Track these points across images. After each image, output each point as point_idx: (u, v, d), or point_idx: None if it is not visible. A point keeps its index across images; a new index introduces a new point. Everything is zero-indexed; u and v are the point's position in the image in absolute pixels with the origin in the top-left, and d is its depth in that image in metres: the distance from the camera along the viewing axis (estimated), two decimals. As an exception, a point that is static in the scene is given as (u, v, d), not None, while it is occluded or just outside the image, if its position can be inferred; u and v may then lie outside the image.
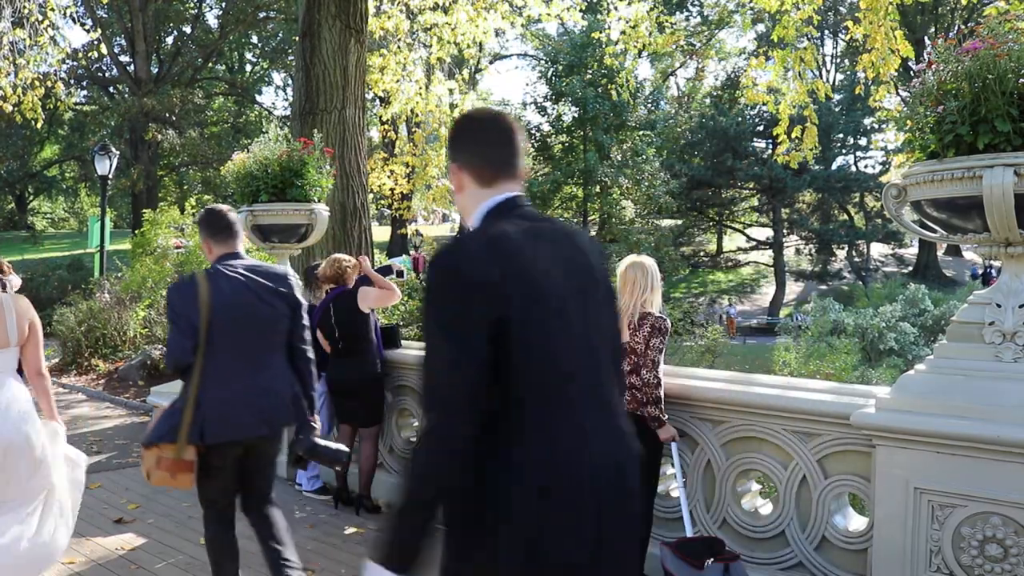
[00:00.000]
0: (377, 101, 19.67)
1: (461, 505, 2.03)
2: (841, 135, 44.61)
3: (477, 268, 1.95)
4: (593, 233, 43.57)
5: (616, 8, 12.84)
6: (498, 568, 1.98)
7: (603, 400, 2.13)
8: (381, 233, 41.54)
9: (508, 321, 1.93)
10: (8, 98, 12.81)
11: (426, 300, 2.04)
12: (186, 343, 3.71)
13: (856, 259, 46.82)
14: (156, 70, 40.65)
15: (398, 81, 13.74)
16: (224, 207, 3.91)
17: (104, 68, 40.97)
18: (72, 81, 36.12)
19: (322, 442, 2.86)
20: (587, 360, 2.09)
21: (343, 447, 4.00)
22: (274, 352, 3.90)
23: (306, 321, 4.07)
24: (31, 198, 52.23)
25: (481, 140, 2.21)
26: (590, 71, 40.98)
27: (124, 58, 40.78)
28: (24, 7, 12.29)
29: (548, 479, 1.97)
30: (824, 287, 43.96)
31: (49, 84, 13.04)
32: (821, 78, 36.01)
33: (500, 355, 1.93)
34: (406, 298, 12.73)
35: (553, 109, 44.94)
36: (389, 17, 13.03)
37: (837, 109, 42.42)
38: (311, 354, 4.05)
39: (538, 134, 45.75)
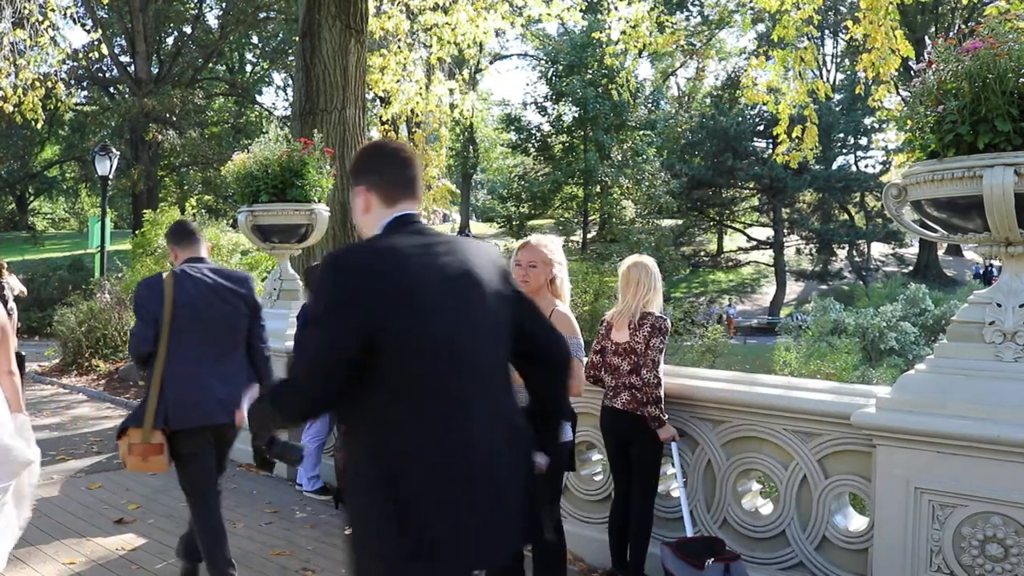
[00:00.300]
0: (377, 101, 19.66)
1: (363, 482, 2.33)
2: (842, 135, 44.61)
3: (359, 271, 2.26)
4: (593, 233, 43.65)
5: (616, 8, 12.84)
6: (387, 540, 2.25)
7: (485, 389, 2.38)
8: (381, 233, 41.50)
9: (385, 320, 2.23)
10: (9, 98, 12.81)
11: (315, 292, 2.41)
12: (148, 332, 4.08)
13: (857, 259, 46.81)
14: (156, 70, 40.65)
15: (398, 81, 13.74)
16: (187, 219, 4.25)
17: (104, 68, 40.99)
18: (72, 81, 36.11)
19: (284, 439, 2.98)
20: (467, 356, 2.34)
21: (300, 444, 4.18)
22: (235, 348, 4.26)
23: (265, 322, 4.46)
24: (32, 198, 52.27)
25: (386, 167, 2.53)
26: (590, 71, 41.00)
27: (124, 58, 40.78)
28: (24, 8, 12.29)
29: (431, 461, 2.25)
30: (825, 287, 43.95)
31: (49, 84, 13.05)
32: (821, 78, 36.01)
33: (378, 351, 2.23)
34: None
35: (553, 109, 44.95)
36: (389, 17, 13.03)
37: (837, 109, 42.42)
38: (268, 353, 4.43)
39: (538, 134, 45.75)
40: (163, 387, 4.03)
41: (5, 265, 14.66)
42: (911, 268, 45.63)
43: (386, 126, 16.63)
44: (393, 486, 2.25)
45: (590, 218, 44.69)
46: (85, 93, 41.87)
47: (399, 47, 13.61)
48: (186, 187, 44.39)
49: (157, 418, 4.00)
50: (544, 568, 4.05)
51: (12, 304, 13.86)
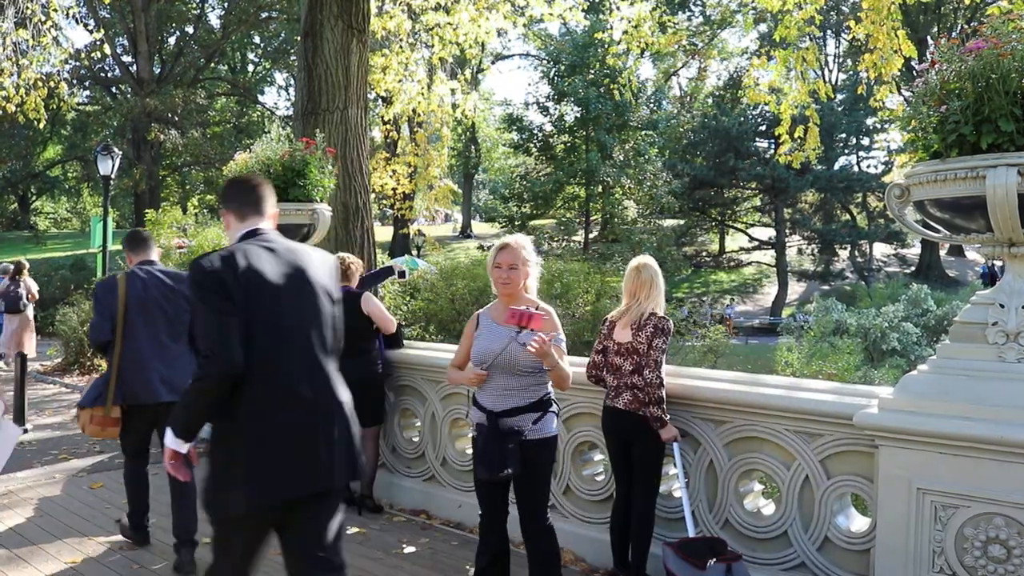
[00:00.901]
0: (379, 101, 19.67)
1: (219, 425, 3.04)
2: (844, 135, 44.59)
3: (216, 270, 2.97)
4: (595, 233, 43.62)
5: (618, 8, 12.82)
6: (226, 473, 2.99)
7: (311, 362, 3.10)
8: (383, 233, 41.54)
9: (236, 301, 2.94)
10: (11, 98, 12.81)
11: (190, 289, 3.04)
12: (105, 324, 4.98)
13: (859, 259, 46.77)
14: (159, 70, 40.70)
15: (400, 81, 13.73)
16: (140, 229, 4.90)
17: (107, 68, 41.07)
18: (75, 81, 36.15)
19: None
20: (297, 334, 3.08)
21: None
22: (179, 339, 5.07)
23: None
24: (34, 198, 52.35)
25: (237, 194, 3.36)
26: (592, 71, 40.96)
27: (127, 58, 40.86)
28: (27, 8, 12.29)
29: (258, 419, 2.96)
30: (826, 287, 43.92)
31: (52, 84, 13.04)
32: (824, 78, 35.99)
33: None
34: (408, 298, 12.71)
35: (555, 109, 44.91)
36: (391, 17, 13.02)
37: (840, 109, 42.40)
38: None
39: (540, 134, 45.71)
40: (121, 371, 4.94)
41: (27, 267, 14.75)
42: (913, 268, 45.60)
43: (388, 126, 16.65)
44: (233, 422, 2.96)
45: (592, 218, 44.62)
46: (87, 93, 41.96)
47: (401, 47, 13.60)
48: (188, 187, 44.48)
49: (116, 397, 4.95)
50: (539, 568, 4.07)
51: (25, 303, 13.93)
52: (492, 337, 4.02)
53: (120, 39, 40.66)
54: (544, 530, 4.08)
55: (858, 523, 4.25)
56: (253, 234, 3.25)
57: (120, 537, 5.49)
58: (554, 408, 4.10)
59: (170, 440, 3.07)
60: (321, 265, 3.30)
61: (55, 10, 12.80)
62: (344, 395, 3.19)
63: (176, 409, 3.11)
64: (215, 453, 3.04)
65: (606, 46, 17.22)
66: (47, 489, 6.66)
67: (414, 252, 34.47)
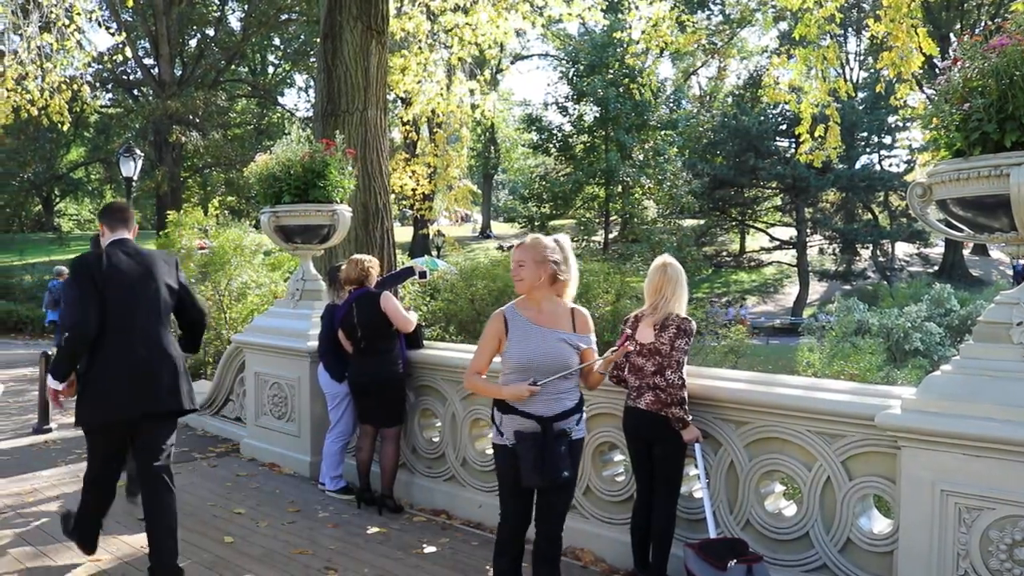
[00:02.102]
0: (399, 102, 19.71)
1: (84, 367, 4.39)
2: (865, 133, 44.30)
3: (88, 266, 4.36)
4: (615, 233, 43.52)
5: (637, 7, 12.80)
6: (86, 400, 4.39)
7: (147, 329, 4.45)
8: (403, 234, 41.66)
9: (102, 291, 4.31)
10: (36, 102, 12.95)
11: (69, 276, 4.51)
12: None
13: (881, 258, 46.45)
14: (180, 72, 40.99)
15: (419, 82, 13.76)
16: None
17: (129, 71, 41.34)
18: (97, 84, 36.48)
19: None
20: (140, 313, 4.44)
21: None
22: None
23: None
24: (58, 200, 52.83)
25: (108, 212, 4.76)
26: (611, 71, 40.88)
27: (148, 61, 41.14)
28: (51, 12, 12.42)
29: (109, 366, 4.34)
30: (848, 287, 43.68)
31: (75, 87, 13.17)
32: (844, 76, 35.75)
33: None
34: (429, 298, 12.74)
35: (575, 109, 44.86)
36: (410, 18, 13.05)
37: (861, 107, 42.13)
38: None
39: (559, 134, 45.66)
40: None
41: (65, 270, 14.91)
42: (936, 268, 45.23)
43: (407, 127, 16.68)
44: (92, 369, 4.34)
45: (611, 218, 44.52)
46: (110, 95, 42.29)
47: (420, 48, 13.63)
48: (209, 188, 44.72)
49: None
50: (543, 563, 4.05)
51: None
52: (537, 337, 3.94)
53: (142, 42, 40.96)
54: (559, 552, 4.11)
55: (880, 525, 4.21)
56: (119, 243, 4.59)
57: (143, 536, 5.52)
58: (585, 409, 4.16)
59: (51, 382, 4.40)
60: (164, 265, 4.65)
61: (78, 14, 12.91)
62: (174, 351, 4.56)
63: (54, 361, 4.58)
64: (80, 386, 4.42)
65: (625, 45, 17.17)
66: (71, 488, 6.71)
67: (434, 253, 34.53)
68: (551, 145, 45.78)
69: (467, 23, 13.06)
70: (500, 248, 37.68)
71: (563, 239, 4.13)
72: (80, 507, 4.76)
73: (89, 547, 4.88)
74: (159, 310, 4.53)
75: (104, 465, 4.59)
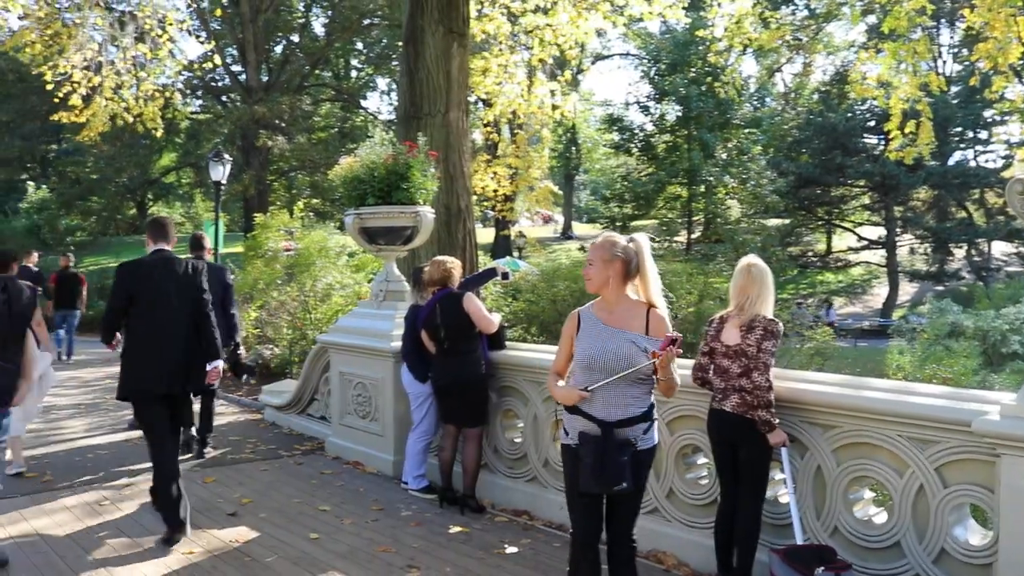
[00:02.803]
0: (480, 104, 19.81)
1: (123, 351, 5.51)
2: (959, 128, 42.73)
3: (129, 271, 5.46)
4: (698, 233, 42.97)
5: (720, 4, 12.62)
6: (124, 372, 5.45)
7: (169, 322, 5.40)
8: (485, 235, 41.89)
9: (133, 289, 5.37)
10: (131, 109, 13.43)
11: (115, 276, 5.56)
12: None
13: (976, 258, 44.76)
14: (266, 78, 41.94)
15: (500, 83, 13.82)
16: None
17: (217, 78, 42.51)
18: (188, 91, 37.63)
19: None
20: (162, 306, 5.39)
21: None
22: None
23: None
24: (151, 203, 54.58)
25: (151, 228, 5.76)
26: (694, 69, 40.35)
27: (236, 68, 42.26)
28: (146, 23, 12.87)
29: (142, 343, 5.39)
30: (940, 288, 42.21)
31: (167, 95, 13.63)
32: (936, 69, 34.62)
33: (132, 301, 5.39)
34: (510, 299, 12.77)
35: (656, 108, 44.36)
36: (491, 20, 13.13)
37: (954, 101, 40.66)
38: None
39: (641, 134, 45.26)
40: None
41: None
42: (1037, 268, 43.40)
43: (488, 128, 16.77)
44: (128, 353, 5.43)
45: (694, 218, 43.91)
46: (199, 102, 43.51)
47: (500, 49, 13.69)
48: (294, 191, 45.62)
49: None
50: (617, 564, 3.98)
51: None
52: (604, 336, 3.81)
53: (230, 49, 42.08)
54: (633, 553, 3.99)
55: (978, 535, 4.06)
56: (158, 252, 5.61)
57: (232, 530, 5.69)
58: (656, 417, 3.96)
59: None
60: (184, 272, 5.56)
61: (171, 24, 13.36)
62: (193, 344, 5.48)
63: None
64: (121, 365, 5.47)
65: (707, 43, 16.95)
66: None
67: (515, 254, 34.63)
68: (633, 145, 45.41)
69: (547, 24, 13.08)
70: (582, 249, 37.59)
71: (639, 237, 3.97)
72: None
73: (173, 523, 5.43)
74: (182, 308, 5.44)
75: (148, 429, 5.60)
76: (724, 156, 42.12)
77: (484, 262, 13.52)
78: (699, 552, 4.96)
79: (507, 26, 13.36)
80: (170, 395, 5.44)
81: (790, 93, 56.11)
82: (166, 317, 5.36)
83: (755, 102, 47.21)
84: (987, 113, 40.80)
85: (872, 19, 35.21)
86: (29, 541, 5.42)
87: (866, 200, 46.99)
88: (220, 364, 5.68)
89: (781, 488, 4.85)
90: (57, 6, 12.78)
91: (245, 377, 11.58)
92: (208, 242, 8.41)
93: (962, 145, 44.50)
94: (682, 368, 4.83)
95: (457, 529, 5.82)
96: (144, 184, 46.09)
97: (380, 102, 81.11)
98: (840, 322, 34.54)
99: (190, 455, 7.79)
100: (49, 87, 13.03)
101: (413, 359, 6.66)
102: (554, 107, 14.35)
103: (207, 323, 5.57)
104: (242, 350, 9.20)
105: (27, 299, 5.32)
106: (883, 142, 36.02)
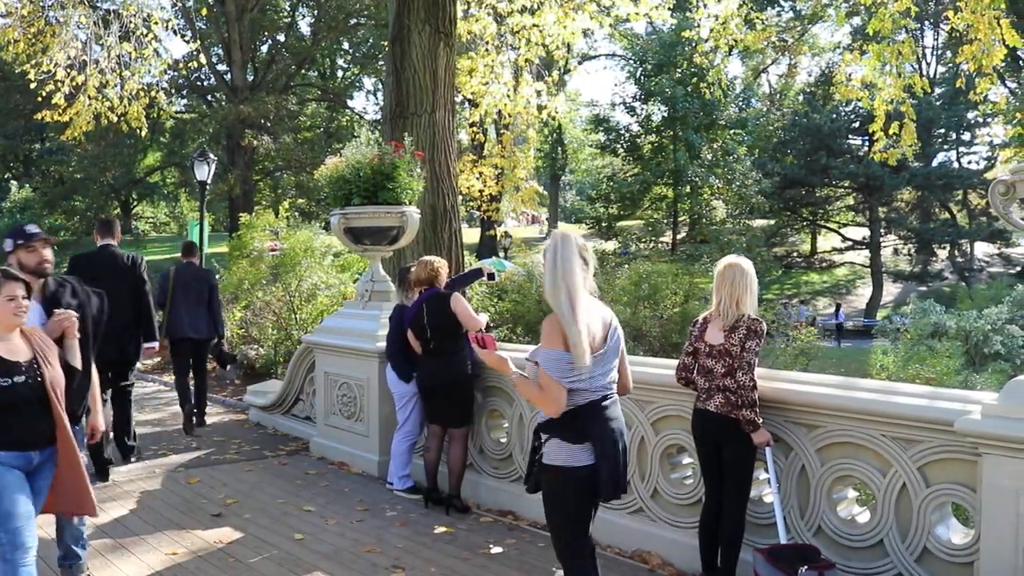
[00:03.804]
0: (466, 104, 19.80)
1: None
2: (943, 130, 43.06)
3: (79, 261, 7.24)
4: (683, 234, 43.12)
5: (705, 5, 12.65)
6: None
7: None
8: (470, 235, 41.87)
9: (84, 278, 5.25)
10: (115, 108, 13.34)
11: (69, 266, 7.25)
12: (162, 296, 8.94)
13: (959, 259, 45.10)
14: (251, 78, 41.80)
15: (486, 83, 13.81)
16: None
17: (202, 77, 42.38)
18: (173, 91, 37.44)
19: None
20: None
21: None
22: (200, 303, 9.22)
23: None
24: (135, 203, 54.35)
25: (101, 225, 7.46)
26: (679, 70, 40.50)
27: (221, 67, 42.13)
28: (131, 22, 12.79)
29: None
30: (924, 288, 42.51)
31: (152, 94, 13.54)
32: (920, 71, 34.82)
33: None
34: (496, 300, 12.78)
35: (642, 109, 44.50)
36: (477, 20, 13.12)
37: (938, 103, 40.96)
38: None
39: (627, 134, 45.38)
40: (169, 320, 9.12)
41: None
42: (1019, 268, 43.69)
43: (474, 128, 16.76)
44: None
45: (680, 219, 44.09)
46: (184, 101, 43.31)
47: (487, 49, 13.68)
48: (280, 191, 45.53)
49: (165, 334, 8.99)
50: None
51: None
52: None
53: (215, 49, 41.95)
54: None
55: (960, 534, 4.09)
56: (103, 247, 7.13)
57: (216, 531, 5.67)
58: (560, 435, 3.63)
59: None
60: (128, 261, 7.15)
61: (155, 23, 13.28)
62: (127, 318, 6.95)
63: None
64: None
65: (693, 44, 16.97)
66: (147, 483, 6.90)
67: (501, 254, 34.62)
68: (619, 145, 45.54)
69: (534, 24, 13.07)
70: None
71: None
72: None
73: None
74: (119, 291, 6.49)
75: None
76: (710, 157, 42.30)
77: (470, 262, 13.51)
78: (684, 552, 4.97)
79: (493, 26, 13.35)
80: (110, 361, 6.85)
81: (775, 94, 56.40)
82: (110, 298, 5.77)
83: (741, 103, 47.43)
84: (970, 115, 41.08)
85: (857, 21, 35.45)
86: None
87: (850, 201, 47.29)
88: (155, 345, 7.44)
89: (765, 488, 4.87)
90: (41, 4, 12.68)
91: (229, 367, 11.72)
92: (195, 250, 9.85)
93: (946, 146, 44.84)
94: (666, 368, 4.84)
95: (442, 529, 5.82)
96: (128, 183, 45.79)
97: (366, 102, 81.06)
98: (822, 321, 34.76)
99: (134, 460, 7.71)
100: (32, 85, 12.94)
101: (398, 359, 6.65)
102: (540, 107, 14.35)
103: (145, 304, 7.22)
104: (225, 343, 10.03)
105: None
106: (867, 143, 36.13)
